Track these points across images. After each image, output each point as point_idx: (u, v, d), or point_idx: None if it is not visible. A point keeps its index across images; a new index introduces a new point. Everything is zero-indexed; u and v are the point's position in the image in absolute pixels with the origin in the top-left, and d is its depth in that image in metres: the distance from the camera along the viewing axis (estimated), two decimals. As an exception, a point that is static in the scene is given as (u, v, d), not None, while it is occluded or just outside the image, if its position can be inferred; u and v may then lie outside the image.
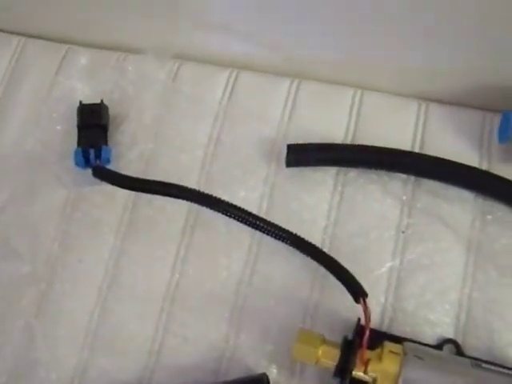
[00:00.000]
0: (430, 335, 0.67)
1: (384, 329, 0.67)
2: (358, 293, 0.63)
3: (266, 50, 0.77)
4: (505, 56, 0.68)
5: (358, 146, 0.72)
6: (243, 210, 0.66)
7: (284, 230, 0.66)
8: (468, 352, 0.65)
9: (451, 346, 0.66)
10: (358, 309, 0.62)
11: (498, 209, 0.70)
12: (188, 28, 0.76)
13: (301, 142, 0.72)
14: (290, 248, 0.67)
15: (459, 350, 0.65)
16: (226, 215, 0.67)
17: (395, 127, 0.74)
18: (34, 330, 0.70)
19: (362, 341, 0.59)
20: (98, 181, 0.71)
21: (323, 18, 0.71)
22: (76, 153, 0.72)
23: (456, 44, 0.69)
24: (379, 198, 0.71)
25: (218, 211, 0.67)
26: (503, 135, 0.69)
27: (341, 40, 0.73)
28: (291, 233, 0.66)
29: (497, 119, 0.73)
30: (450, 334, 0.67)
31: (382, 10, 0.66)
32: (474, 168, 0.70)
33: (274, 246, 0.69)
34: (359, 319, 0.62)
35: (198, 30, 0.76)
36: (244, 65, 0.79)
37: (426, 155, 0.71)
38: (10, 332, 0.70)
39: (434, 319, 0.67)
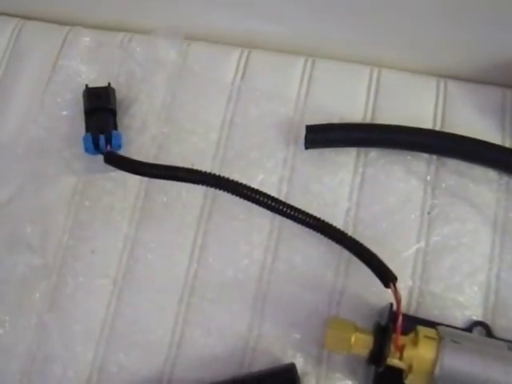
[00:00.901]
0: (460, 318, 0.65)
1: (411, 312, 0.66)
2: (387, 277, 0.61)
3: (279, 27, 0.74)
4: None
5: (380, 125, 0.69)
6: (264, 193, 0.64)
7: (308, 214, 0.64)
8: (498, 334, 0.64)
9: (481, 329, 0.64)
10: (387, 293, 0.60)
11: (512, 188, 0.68)
12: (198, 5, 0.73)
13: (319, 122, 0.70)
14: (312, 232, 0.65)
15: (489, 333, 0.64)
16: (247, 199, 0.64)
17: (415, 105, 0.73)
18: (47, 325, 0.67)
19: (395, 326, 0.57)
20: (108, 167, 0.68)
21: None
22: (85, 139, 0.69)
23: (474, 19, 0.66)
24: (402, 179, 0.69)
25: (238, 195, 0.64)
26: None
27: (355, 17, 0.70)
28: (315, 217, 0.64)
29: (519, 95, 0.71)
30: (479, 316, 0.65)
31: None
32: (499, 146, 0.69)
33: (295, 230, 0.67)
34: (391, 304, 0.60)
35: (209, 7, 0.73)
36: (256, 43, 0.76)
37: (449, 133, 0.69)
38: (22, 328, 0.66)
39: (463, 301, 0.65)
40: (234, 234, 0.68)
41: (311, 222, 0.64)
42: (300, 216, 0.64)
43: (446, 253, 0.67)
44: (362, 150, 0.70)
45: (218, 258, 0.68)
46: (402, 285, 0.66)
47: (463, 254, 0.67)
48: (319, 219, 0.64)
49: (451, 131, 0.70)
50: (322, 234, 0.64)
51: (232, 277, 0.67)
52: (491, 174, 0.69)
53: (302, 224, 0.64)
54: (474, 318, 0.65)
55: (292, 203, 0.65)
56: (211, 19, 0.75)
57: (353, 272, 0.66)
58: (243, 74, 0.75)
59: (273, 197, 0.64)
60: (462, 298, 0.65)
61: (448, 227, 0.68)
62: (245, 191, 0.63)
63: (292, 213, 0.64)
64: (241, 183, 0.63)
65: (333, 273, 0.66)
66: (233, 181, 0.64)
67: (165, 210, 0.69)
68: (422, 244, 0.67)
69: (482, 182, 0.69)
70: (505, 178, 0.69)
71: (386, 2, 0.67)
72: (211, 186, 0.64)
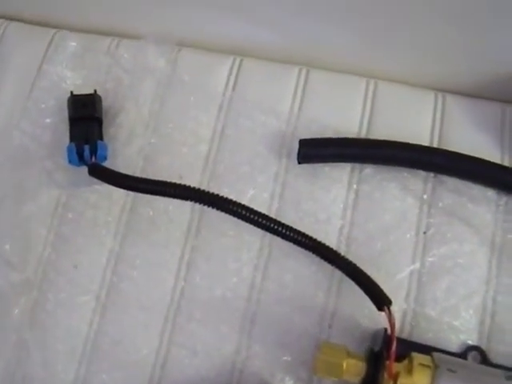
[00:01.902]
0: (454, 342, 0.63)
1: (405, 336, 0.63)
2: (381, 300, 0.59)
3: (273, 35, 0.71)
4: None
5: (375, 140, 0.67)
6: (254, 210, 0.62)
7: (299, 232, 0.62)
8: (493, 359, 0.62)
9: (476, 354, 0.62)
10: (380, 316, 0.58)
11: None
12: (189, 11, 0.70)
13: (312, 135, 0.68)
14: (303, 251, 0.63)
15: (484, 358, 0.62)
16: (236, 216, 0.61)
17: (412, 120, 0.70)
18: (26, 343, 0.64)
19: (389, 352, 0.54)
20: (92, 179, 0.65)
21: (334, 3, 0.65)
22: (69, 149, 0.66)
23: (474, 32, 0.64)
24: (398, 197, 0.67)
25: (227, 212, 0.61)
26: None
27: (353, 26, 0.67)
28: (306, 235, 0.62)
29: (517, 111, 0.69)
30: (474, 341, 0.63)
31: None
32: (498, 165, 0.67)
33: (286, 248, 0.64)
34: (386, 329, 0.57)
35: (200, 13, 0.70)
36: (248, 51, 0.73)
37: (447, 151, 0.67)
38: (0, 346, 0.63)
39: (458, 325, 0.64)
40: (222, 250, 0.66)
41: (302, 240, 0.62)
42: (290, 234, 0.61)
43: (442, 274, 0.65)
44: (357, 165, 0.68)
45: (205, 275, 0.66)
46: (396, 307, 0.63)
47: (459, 276, 0.65)
48: (311, 238, 0.62)
49: (449, 147, 0.68)
50: (313, 253, 0.62)
51: (220, 295, 0.65)
52: (490, 193, 0.67)
53: (293, 242, 0.62)
54: (470, 342, 0.63)
55: (283, 220, 0.63)
56: (202, 25, 0.72)
57: (345, 293, 0.64)
58: (235, 83, 0.72)
59: (263, 214, 0.62)
60: (457, 322, 0.63)
61: (444, 248, 0.66)
62: (234, 208, 0.61)
63: (282, 230, 0.62)
64: (230, 199, 0.61)
65: (324, 293, 0.64)
66: (221, 197, 0.61)
67: (151, 225, 0.67)
68: (418, 265, 0.65)
69: (480, 201, 0.67)
70: (504, 198, 0.67)
71: (385, 12, 0.64)
72: (199, 203, 0.62)
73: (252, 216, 0.62)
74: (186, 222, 0.67)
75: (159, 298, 0.65)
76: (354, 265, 0.61)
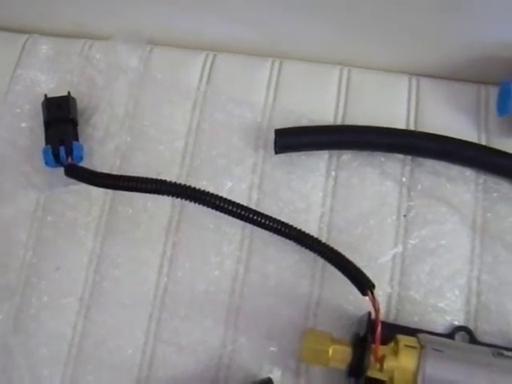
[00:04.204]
0: (441, 323, 0.63)
1: (391, 319, 0.63)
2: (364, 285, 0.59)
3: (245, 29, 0.71)
4: (495, 25, 0.64)
5: (351, 126, 0.67)
6: (234, 202, 0.61)
7: (279, 221, 0.62)
8: (481, 338, 0.62)
9: (463, 334, 0.61)
10: (365, 301, 0.57)
11: (503, 186, 0.66)
12: (160, 8, 0.70)
13: (288, 125, 0.67)
14: (285, 240, 0.63)
15: (472, 338, 0.61)
16: (215, 209, 0.61)
17: (387, 104, 0.70)
18: (11, 348, 0.63)
19: (375, 336, 0.54)
20: (70, 180, 0.65)
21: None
22: (45, 151, 0.66)
23: (446, 15, 0.64)
24: (377, 181, 0.67)
25: (206, 205, 0.61)
26: (503, 107, 0.65)
27: (323, 15, 0.67)
28: (287, 225, 0.62)
29: (492, 91, 0.69)
30: (461, 321, 0.63)
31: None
32: (476, 144, 0.66)
33: (267, 239, 0.64)
34: (370, 313, 0.57)
35: (171, 10, 0.70)
36: (221, 46, 0.73)
37: (424, 133, 0.67)
38: (-16, 353, 0.63)
39: (444, 306, 0.63)
40: (203, 245, 0.66)
41: (283, 229, 0.61)
42: (271, 224, 0.61)
43: (425, 256, 0.65)
44: (335, 152, 0.68)
45: (187, 270, 0.65)
46: (381, 292, 0.63)
47: (442, 257, 0.65)
48: (291, 226, 0.61)
49: (425, 130, 0.68)
50: (295, 241, 0.62)
51: (203, 290, 0.64)
52: (468, 173, 0.67)
53: (274, 232, 0.62)
54: (456, 323, 0.63)
55: (263, 210, 0.63)
56: (174, 22, 0.72)
57: (329, 280, 0.63)
58: (208, 78, 0.72)
59: (242, 205, 0.61)
60: (442, 303, 0.63)
61: (426, 229, 0.65)
62: (212, 200, 0.61)
63: (263, 221, 0.61)
64: (208, 192, 0.61)
65: (308, 282, 0.64)
66: (199, 190, 0.61)
67: (131, 223, 0.66)
68: (400, 248, 0.65)
69: (459, 181, 0.66)
70: (482, 177, 0.67)
71: (356, 0, 0.64)
72: (177, 197, 0.61)
73: (231, 208, 0.61)
74: (165, 218, 0.67)
75: (143, 295, 0.65)
76: (336, 251, 0.61)
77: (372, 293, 0.58)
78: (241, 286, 0.64)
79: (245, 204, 0.63)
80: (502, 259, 0.65)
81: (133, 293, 0.65)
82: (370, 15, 0.66)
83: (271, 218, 0.62)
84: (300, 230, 0.61)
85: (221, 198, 0.61)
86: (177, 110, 0.70)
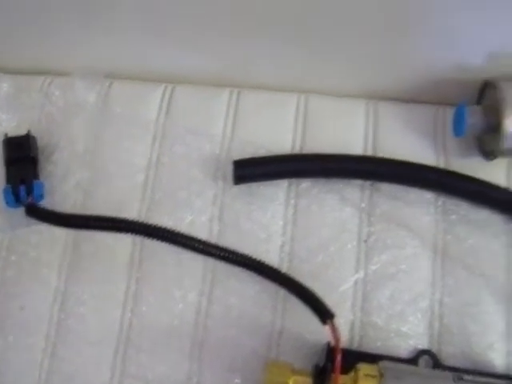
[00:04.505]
0: (405, 348, 0.63)
1: (355, 346, 0.63)
2: (324, 314, 0.59)
3: (203, 60, 0.71)
4: (453, 47, 0.65)
5: (308, 155, 0.68)
6: (191, 237, 0.62)
7: (237, 253, 0.62)
8: (445, 361, 0.62)
9: (427, 358, 0.62)
10: (326, 331, 0.57)
11: (461, 208, 0.67)
12: (117, 43, 0.70)
13: (247, 156, 0.67)
14: (247, 271, 0.63)
15: (436, 361, 0.62)
16: (174, 244, 0.61)
17: (345, 130, 0.71)
18: (-24, 391, 0.63)
19: (334, 366, 0.54)
20: (32, 219, 0.65)
21: (257, 24, 0.65)
22: (5, 191, 0.66)
23: (400, 38, 0.65)
24: (336, 208, 0.67)
25: (166, 242, 0.61)
26: (458, 129, 0.65)
27: (279, 43, 0.67)
28: (245, 256, 0.62)
29: (450, 112, 0.69)
30: (424, 345, 0.63)
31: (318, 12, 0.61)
32: (433, 167, 0.67)
33: (229, 270, 0.64)
34: (328, 343, 0.57)
35: (128, 44, 0.70)
36: (180, 78, 0.73)
37: (381, 158, 0.67)
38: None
39: (407, 330, 0.63)
40: (166, 279, 0.66)
41: (242, 261, 0.62)
42: (230, 256, 0.62)
43: (386, 281, 0.65)
44: (294, 180, 0.68)
45: (151, 305, 0.66)
46: (343, 319, 0.64)
47: (404, 281, 0.65)
48: (250, 258, 0.62)
49: (384, 154, 0.68)
50: (254, 272, 0.62)
51: (167, 324, 0.65)
52: (427, 196, 0.67)
53: (233, 264, 0.62)
54: (420, 347, 0.63)
55: (224, 242, 0.64)
56: (132, 56, 0.73)
57: (291, 310, 0.64)
58: (167, 110, 0.72)
59: (200, 240, 0.62)
60: (405, 328, 0.63)
61: (386, 254, 0.66)
62: (170, 237, 0.61)
63: (221, 254, 0.62)
64: (165, 229, 0.61)
65: (270, 312, 0.64)
66: (157, 227, 0.61)
67: (94, 260, 0.67)
68: (361, 274, 0.65)
69: (418, 205, 0.67)
70: (441, 200, 0.67)
71: (310, 26, 0.64)
72: (136, 234, 0.61)
73: (190, 243, 0.62)
74: (127, 254, 0.67)
75: (108, 331, 0.65)
76: (295, 280, 0.61)
77: (332, 322, 0.58)
78: (204, 318, 0.65)
79: (206, 236, 0.64)
80: (463, 281, 0.65)
81: (98, 329, 0.65)
82: (323, 41, 0.66)
83: (230, 250, 0.62)
84: (259, 261, 0.62)
85: (179, 234, 0.61)
86: (136, 144, 0.71)
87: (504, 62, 0.65)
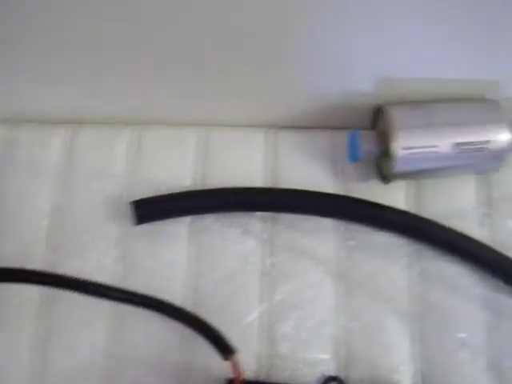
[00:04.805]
0: (313, 375, 0.64)
1: (263, 377, 0.64)
2: (225, 350, 0.60)
3: (102, 101, 0.71)
4: (343, 73, 0.66)
5: (206, 190, 0.68)
6: (91, 283, 0.62)
7: (134, 294, 0.62)
8: (353, 386, 0.62)
9: (335, 384, 0.63)
10: (228, 366, 0.58)
11: (359, 232, 0.68)
12: (14, 87, 0.70)
13: (149, 194, 0.68)
14: (153, 310, 0.63)
15: (344, 386, 0.62)
16: (75, 292, 0.62)
17: (245, 161, 0.71)
18: None
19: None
20: None
21: (154, 65, 0.66)
22: None
23: (292, 66, 0.65)
24: (239, 241, 0.68)
25: (66, 289, 0.62)
26: (352, 154, 0.66)
27: (175, 81, 0.68)
28: (144, 296, 0.62)
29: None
30: (331, 371, 0.64)
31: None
32: (330, 194, 0.68)
33: (137, 311, 0.64)
34: (229, 380, 0.58)
35: (26, 87, 0.70)
36: (81, 119, 0.73)
37: (279, 189, 0.68)
38: None
39: (314, 358, 0.64)
40: (74, 323, 0.66)
41: (140, 301, 0.62)
42: (127, 298, 0.62)
43: (290, 310, 0.66)
44: (196, 216, 0.68)
45: (60, 350, 0.66)
46: (249, 351, 0.64)
47: (307, 310, 0.66)
48: (148, 297, 0.62)
49: (284, 183, 0.69)
50: (154, 311, 0.62)
51: (76, 367, 0.65)
52: (327, 223, 0.68)
53: (134, 305, 0.62)
54: (327, 373, 0.63)
55: (129, 283, 0.64)
56: (34, 99, 0.72)
57: (198, 347, 0.64)
58: (70, 153, 0.72)
59: (100, 284, 0.62)
60: (312, 355, 0.64)
61: (289, 284, 0.67)
62: (70, 285, 0.61)
63: (120, 296, 0.62)
64: (64, 277, 0.61)
65: (177, 350, 0.65)
66: (56, 275, 0.62)
67: (1, 309, 0.66)
68: (266, 305, 0.66)
69: (318, 232, 0.68)
70: (342, 226, 0.68)
71: (203, 61, 0.65)
72: (39, 284, 0.62)
73: (91, 289, 0.62)
74: (36, 301, 0.67)
75: (17, 379, 0.65)
76: (196, 317, 0.62)
77: (234, 357, 0.59)
78: (113, 360, 0.65)
79: (111, 278, 0.65)
80: (366, 306, 0.66)
81: (7, 377, 0.65)
82: (217, 75, 0.66)
83: (127, 291, 0.62)
84: (158, 300, 0.62)
85: (79, 281, 0.62)
86: (39, 190, 0.71)
87: (392, 87, 0.66)
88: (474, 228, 0.69)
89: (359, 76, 0.66)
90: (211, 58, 0.63)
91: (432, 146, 0.64)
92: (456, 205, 0.70)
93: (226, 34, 0.60)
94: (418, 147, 0.64)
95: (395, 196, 0.69)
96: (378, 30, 0.60)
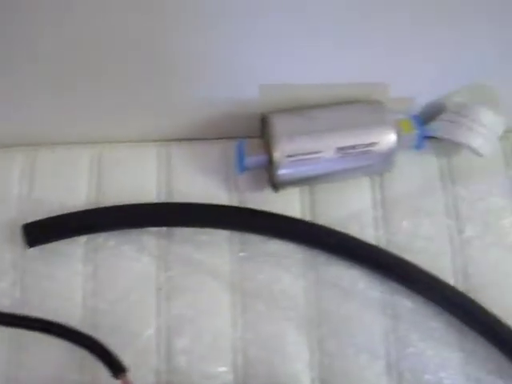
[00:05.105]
0: (211, 388, 0.63)
1: (162, 393, 0.63)
2: (116, 369, 0.60)
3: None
4: (227, 81, 0.66)
5: (99, 209, 0.68)
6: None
7: (21, 317, 0.62)
8: (253, 396, 0.62)
9: (234, 396, 0.63)
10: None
11: (253, 243, 0.68)
12: None
13: (44, 216, 0.67)
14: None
15: (242, 398, 0.62)
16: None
17: (139, 177, 0.71)
18: None
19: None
20: None
21: (38, 86, 0.65)
22: None
23: (173, 78, 0.65)
24: (134, 257, 0.68)
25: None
26: (239, 165, 0.65)
27: (60, 101, 0.67)
28: (34, 319, 0.62)
29: (238, 147, 0.69)
30: (231, 383, 0.63)
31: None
32: (222, 206, 0.68)
33: (34, 335, 0.64)
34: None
35: None
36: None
37: (172, 203, 0.69)
38: None
39: (212, 371, 0.65)
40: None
41: (30, 324, 0.62)
42: (16, 321, 0.62)
43: (187, 325, 0.66)
44: (91, 235, 0.68)
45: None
46: (147, 366, 0.65)
47: (204, 323, 0.66)
48: (39, 320, 0.62)
49: (178, 197, 0.70)
50: (44, 332, 0.63)
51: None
52: (222, 235, 0.68)
53: (27, 329, 0.63)
54: (227, 385, 0.63)
55: (27, 306, 0.66)
56: None
57: (98, 367, 0.63)
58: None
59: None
60: (210, 368, 0.64)
61: (185, 298, 0.67)
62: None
63: (12, 321, 0.62)
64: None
65: (77, 371, 0.65)
66: None
67: None
68: (162, 321, 0.66)
69: (213, 245, 0.68)
70: (236, 237, 0.68)
71: (84, 77, 0.64)
72: None
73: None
74: None
75: None
76: (86, 336, 0.62)
77: (125, 376, 0.59)
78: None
79: (9, 302, 0.66)
80: (263, 315, 0.66)
81: None
82: (100, 90, 0.66)
83: (15, 315, 0.63)
84: (47, 321, 0.62)
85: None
86: None
87: (277, 94, 0.65)
88: (369, 231, 0.68)
89: (244, 84, 0.66)
90: (94, 75, 0.63)
91: (315, 152, 0.63)
92: (352, 208, 0.69)
93: (109, 49, 0.59)
94: (300, 154, 0.63)
95: (290, 203, 0.69)
96: (260, 36, 0.59)
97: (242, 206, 0.69)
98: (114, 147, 0.72)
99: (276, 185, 0.66)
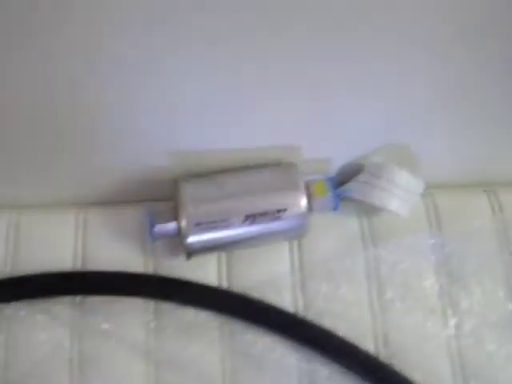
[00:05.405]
0: None
1: None
2: None
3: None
4: (136, 148, 0.65)
5: (11, 279, 0.67)
6: None
7: None
8: None
9: None
10: None
11: (165, 312, 0.67)
12: None
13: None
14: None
15: None
16: None
17: (56, 244, 0.70)
18: None
19: None
20: None
21: None
22: None
23: (88, 144, 0.64)
24: (47, 328, 0.67)
25: None
26: (150, 232, 0.64)
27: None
28: None
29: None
30: None
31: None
32: (133, 275, 0.67)
33: None
34: None
35: None
36: None
37: (83, 272, 0.68)
38: None
39: None
40: None
41: None
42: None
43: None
44: (3, 305, 0.67)
45: None
46: None
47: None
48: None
49: (94, 264, 0.69)
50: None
51: None
52: (136, 303, 0.68)
53: None
54: None
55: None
56: None
57: None
58: None
59: None
60: None
61: (99, 369, 0.66)
62: None
63: None
64: None
65: None
66: None
67: None
68: (77, 391, 0.64)
69: (126, 314, 0.67)
70: (151, 306, 0.66)
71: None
72: None
73: None
74: None
75: None
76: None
77: None
78: None
79: None
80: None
81: None
82: (16, 155, 0.65)
83: None
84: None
85: None
86: None
87: (183, 161, 0.65)
88: (287, 296, 0.67)
89: (154, 151, 0.65)
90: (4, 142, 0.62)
91: (223, 220, 0.62)
92: (269, 273, 0.68)
93: (24, 116, 0.59)
94: (208, 222, 0.62)
95: (206, 269, 0.68)
96: (168, 104, 0.58)
97: (158, 272, 0.68)
98: (32, 212, 0.71)
99: (187, 252, 0.64)
